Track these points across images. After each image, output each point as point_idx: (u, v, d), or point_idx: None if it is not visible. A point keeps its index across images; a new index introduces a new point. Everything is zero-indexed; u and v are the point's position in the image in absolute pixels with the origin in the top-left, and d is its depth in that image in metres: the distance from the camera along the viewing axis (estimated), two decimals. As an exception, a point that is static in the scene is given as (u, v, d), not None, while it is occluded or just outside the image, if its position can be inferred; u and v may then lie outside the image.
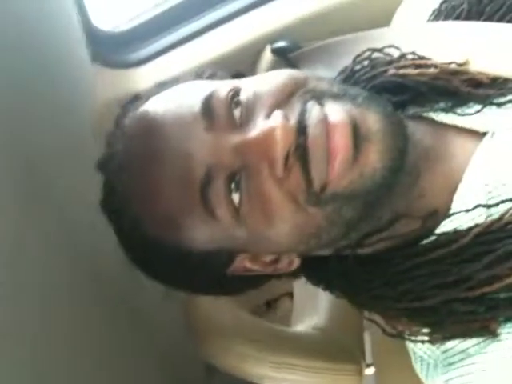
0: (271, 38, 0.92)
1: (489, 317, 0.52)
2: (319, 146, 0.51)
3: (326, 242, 0.56)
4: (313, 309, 0.91)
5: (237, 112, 0.54)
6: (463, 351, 0.53)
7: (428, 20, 0.69)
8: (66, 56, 0.80)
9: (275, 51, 0.91)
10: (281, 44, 0.90)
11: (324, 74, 0.68)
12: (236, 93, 0.54)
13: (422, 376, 0.57)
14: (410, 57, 0.62)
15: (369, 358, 0.88)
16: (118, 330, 0.76)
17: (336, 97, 0.54)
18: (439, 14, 0.67)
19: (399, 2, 0.77)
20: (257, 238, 0.55)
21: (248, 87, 0.55)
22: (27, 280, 0.56)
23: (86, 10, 0.89)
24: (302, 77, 0.56)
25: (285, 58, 0.88)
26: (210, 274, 0.59)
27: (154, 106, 0.57)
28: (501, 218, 0.52)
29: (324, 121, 0.51)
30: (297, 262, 0.60)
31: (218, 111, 0.54)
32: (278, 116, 0.51)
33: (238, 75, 0.61)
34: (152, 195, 0.55)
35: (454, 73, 0.60)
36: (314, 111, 0.52)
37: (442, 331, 0.55)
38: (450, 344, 0.54)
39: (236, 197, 0.53)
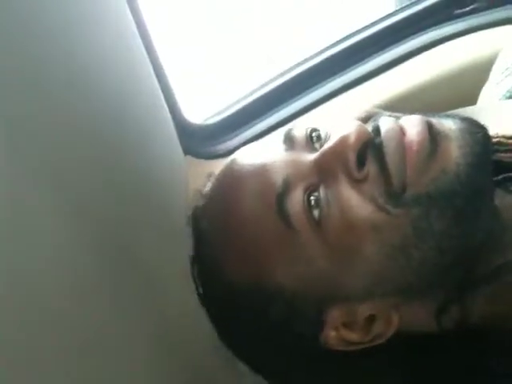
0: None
1: None
2: (395, 141, 0.50)
3: (417, 270, 0.50)
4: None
5: (316, 144, 0.54)
6: None
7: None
8: (161, 151, 0.84)
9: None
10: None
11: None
12: (314, 129, 0.55)
13: None
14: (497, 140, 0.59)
15: None
16: None
17: None
18: None
19: (480, 82, 0.78)
20: (340, 261, 0.51)
21: (326, 126, 0.55)
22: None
23: (177, 105, 0.95)
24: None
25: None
26: (302, 340, 0.54)
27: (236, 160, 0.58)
28: None
29: (399, 125, 0.51)
30: (395, 321, 0.53)
31: (298, 139, 0.54)
32: (353, 124, 0.51)
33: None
34: (232, 222, 0.54)
35: None
36: (388, 122, 0.52)
37: None
38: None
39: (316, 212, 0.51)
